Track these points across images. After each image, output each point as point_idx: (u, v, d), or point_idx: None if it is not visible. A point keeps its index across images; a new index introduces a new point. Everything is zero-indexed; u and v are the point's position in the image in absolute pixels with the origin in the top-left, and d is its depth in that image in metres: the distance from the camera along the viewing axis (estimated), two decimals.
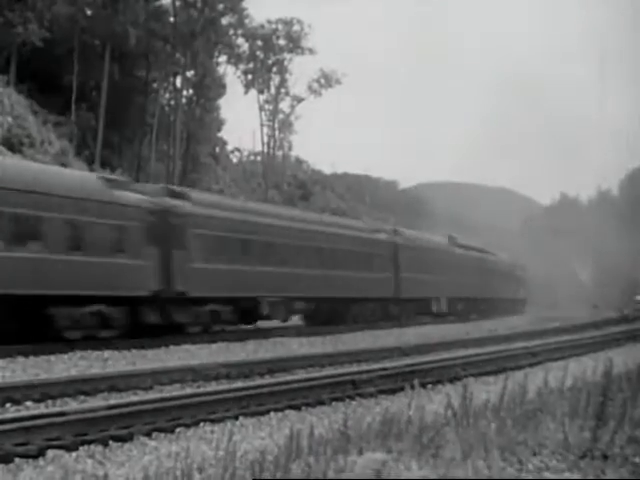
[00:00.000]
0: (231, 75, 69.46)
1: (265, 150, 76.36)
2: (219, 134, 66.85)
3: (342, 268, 31.28)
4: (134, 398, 11.18)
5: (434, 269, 39.81)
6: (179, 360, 16.90)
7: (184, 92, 58.54)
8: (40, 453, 7.59)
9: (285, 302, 27.71)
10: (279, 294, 27.27)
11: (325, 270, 30.04)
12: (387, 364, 15.97)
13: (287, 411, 10.56)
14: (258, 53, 70.73)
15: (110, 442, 8.19)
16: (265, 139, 75.58)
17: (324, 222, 32.74)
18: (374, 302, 34.01)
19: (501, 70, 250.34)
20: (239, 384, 12.80)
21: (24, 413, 9.43)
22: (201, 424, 9.35)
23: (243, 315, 25.70)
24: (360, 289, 32.51)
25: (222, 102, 64.64)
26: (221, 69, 65.12)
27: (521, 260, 62.30)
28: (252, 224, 26.28)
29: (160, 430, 8.89)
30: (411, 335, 27.12)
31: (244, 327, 26.30)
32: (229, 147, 75.24)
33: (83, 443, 8.04)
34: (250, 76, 71.28)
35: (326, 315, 30.58)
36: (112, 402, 10.43)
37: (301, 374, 14.72)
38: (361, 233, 34.66)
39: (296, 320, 31.11)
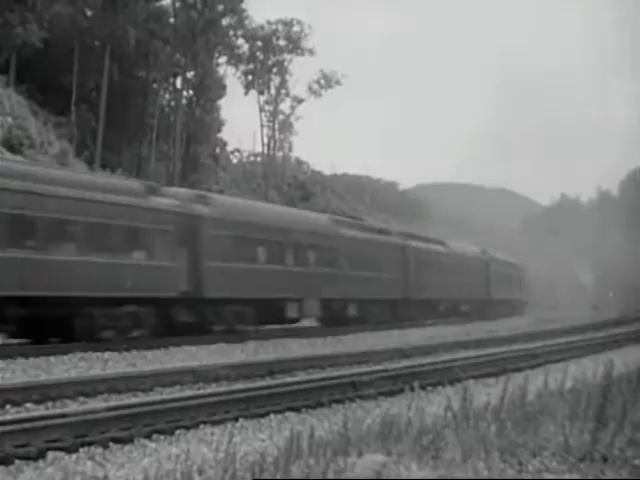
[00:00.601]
0: (231, 76, 69.68)
1: (265, 151, 76.49)
2: (219, 135, 66.91)
3: (66, 251, 19.46)
4: (134, 400, 11.19)
5: (290, 258, 28.23)
6: (179, 362, 16.90)
7: (184, 93, 58.66)
8: (40, 455, 7.58)
9: None
10: None
11: (18, 252, 18.15)
12: (387, 365, 15.98)
13: (287, 413, 10.56)
14: (258, 54, 70.81)
15: (110, 444, 8.19)
16: (265, 140, 75.73)
17: (27, 175, 19.11)
18: (146, 304, 21.54)
19: (501, 71, 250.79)
20: (239, 386, 12.79)
21: (24, 415, 9.44)
22: (201, 426, 9.34)
23: None
24: (110, 284, 20.28)
25: (222, 103, 64.79)
26: (221, 70, 65.31)
27: (519, 259, 61.63)
28: None
29: (160, 432, 8.89)
30: (412, 336, 27.12)
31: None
32: (229, 148, 75.34)
33: (83, 445, 8.04)
34: (250, 77, 71.37)
35: (34, 324, 18.68)
36: (112, 404, 10.43)
37: (301, 376, 14.73)
38: (117, 197, 21.03)
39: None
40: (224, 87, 63.09)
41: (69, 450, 7.82)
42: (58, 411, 9.76)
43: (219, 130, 65.87)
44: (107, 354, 17.50)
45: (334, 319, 30.34)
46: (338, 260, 31.03)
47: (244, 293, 25.15)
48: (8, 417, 9.22)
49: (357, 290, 31.90)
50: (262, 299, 26.19)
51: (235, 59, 68.39)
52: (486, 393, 10.52)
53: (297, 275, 28.17)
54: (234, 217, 25.47)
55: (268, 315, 26.60)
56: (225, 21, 61.03)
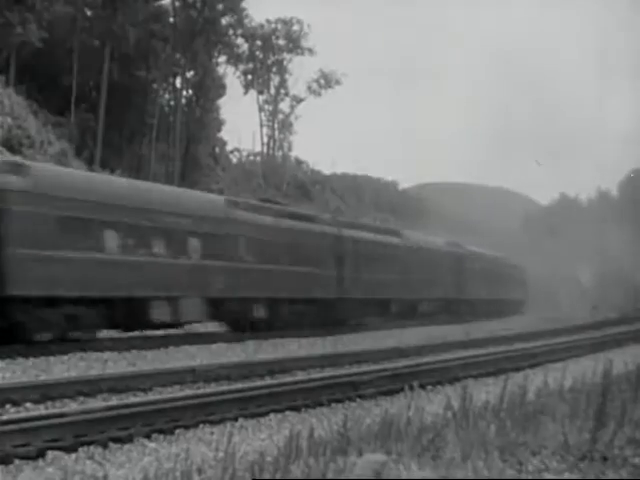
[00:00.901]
0: (231, 75, 69.77)
1: (265, 150, 76.54)
2: (219, 134, 66.92)
3: None
4: (134, 399, 11.20)
5: (159, 247, 22.05)
6: (179, 361, 16.90)
7: (184, 92, 58.66)
8: (40, 454, 7.59)
9: None
10: None
11: None
12: (387, 365, 15.98)
13: (287, 412, 10.56)
14: (258, 53, 70.85)
15: (110, 443, 8.19)
16: (265, 139, 75.79)
17: None
18: None
19: (501, 70, 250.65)
20: (239, 385, 12.79)
21: (24, 414, 9.44)
22: (201, 425, 9.34)
23: None
24: None
25: (222, 102, 64.78)
26: (221, 69, 65.31)
27: (518, 258, 61.39)
28: None
29: (160, 431, 8.89)
30: (411, 336, 27.09)
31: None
32: (229, 147, 75.35)
33: (83, 444, 8.04)
34: (250, 76, 71.40)
35: None
36: (112, 403, 10.44)
37: (301, 375, 14.73)
38: None
39: None
40: (224, 87, 63.12)
41: (69, 450, 7.82)
42: (58, 411, 9.76)
43: (219, 130, 65.89)
44: (106, 354, 17.51)
45: (234, 322, 24.95)
46: (235, 250, 24.87)
47: (79, 290, 19.16)
48: (8, 417, 9.22)
49: (265, 287, 25.87)
50: (110, 298, 20.11)
51: (235, 58, 68.41)
52: (486, 392, 10.53)
53: (169, 268, 22.07)
54: (65, 193, 19.20)
55: (123, 318, 20.65)
56: (225, 20, 61.05)
